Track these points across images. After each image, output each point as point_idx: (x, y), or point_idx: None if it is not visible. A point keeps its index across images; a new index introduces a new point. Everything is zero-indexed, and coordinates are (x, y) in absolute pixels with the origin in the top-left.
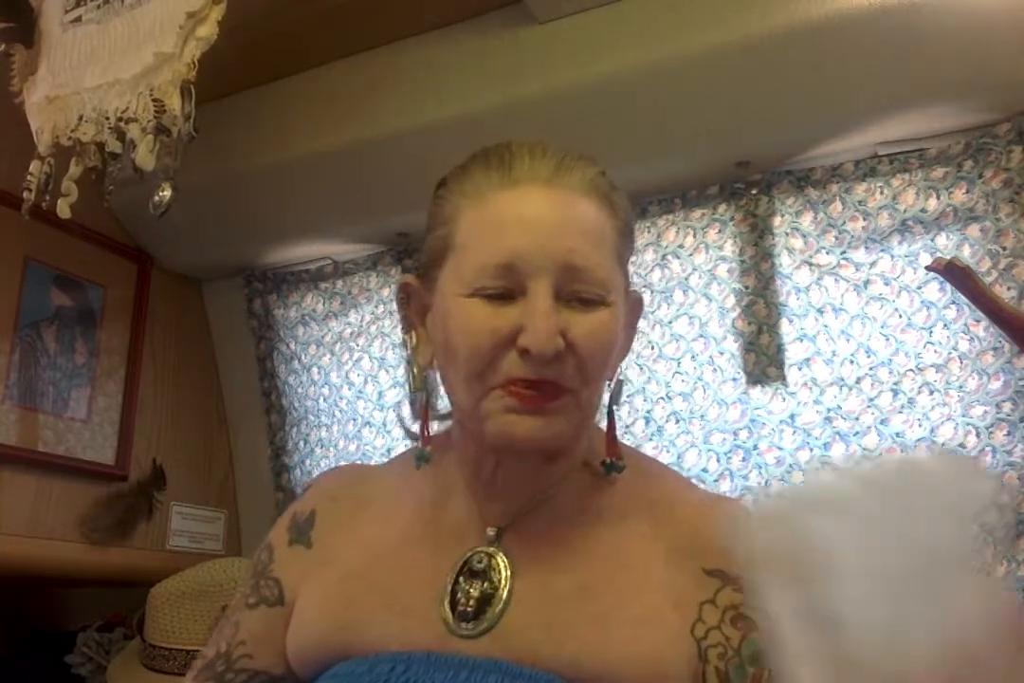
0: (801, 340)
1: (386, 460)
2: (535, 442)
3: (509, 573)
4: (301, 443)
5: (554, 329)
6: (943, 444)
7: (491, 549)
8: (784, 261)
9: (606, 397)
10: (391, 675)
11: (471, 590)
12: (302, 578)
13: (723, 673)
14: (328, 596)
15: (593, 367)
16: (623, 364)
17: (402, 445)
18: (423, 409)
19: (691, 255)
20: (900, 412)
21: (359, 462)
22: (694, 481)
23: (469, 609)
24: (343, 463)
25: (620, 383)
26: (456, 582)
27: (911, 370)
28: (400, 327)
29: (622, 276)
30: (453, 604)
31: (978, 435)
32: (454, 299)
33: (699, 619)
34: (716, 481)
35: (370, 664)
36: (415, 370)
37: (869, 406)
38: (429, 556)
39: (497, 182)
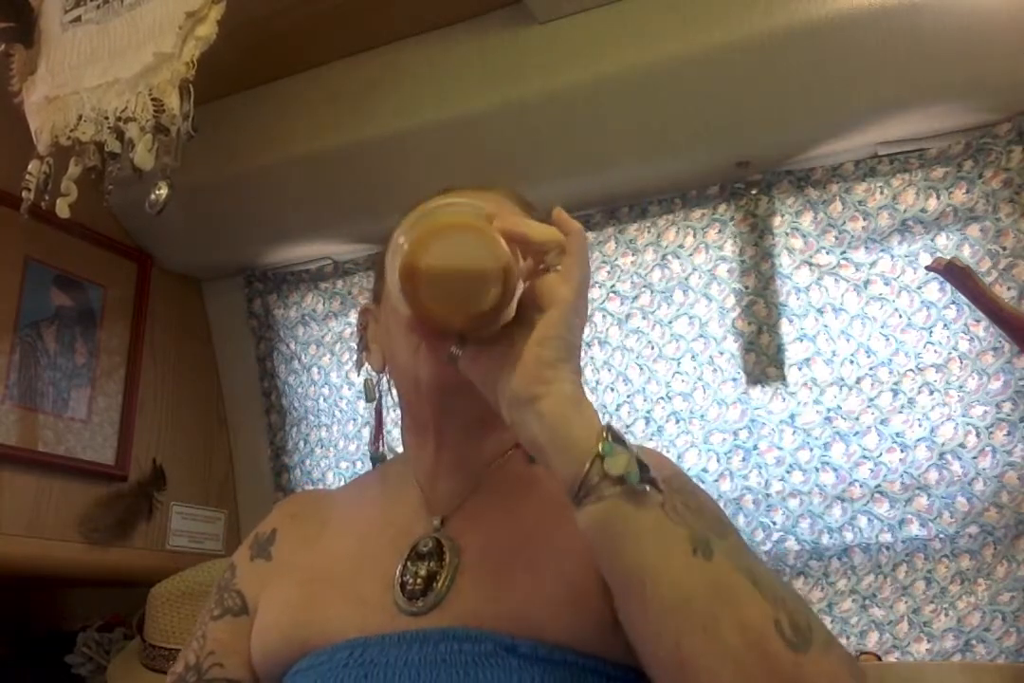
0: (801, 340)
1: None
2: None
3: (454, 553)
4: (301, 443)
5: None
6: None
7: (436, 534)
8: (784, 261)
9: None
10: (350, 659)
11: (418, 570)
12: (263, 587)
13: None
14: (288, 598)
15: None
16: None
17: (400, 445)
18: (378, 412)
19: (691, 255)
20: (900, 412)
21: (318, 487)
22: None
23: (417, 587)
24: (300, 491)
25: None
26: (405, 566)
27: (911, 370)
28: (356, 349)
29: None
30: (403, 586)
31: (978, 435)
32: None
33: None
34: (716, 481)
35: (329, 654)
36: (368, 383)
37: (869, 406)
38: (383, 552)
39: (434, 197)
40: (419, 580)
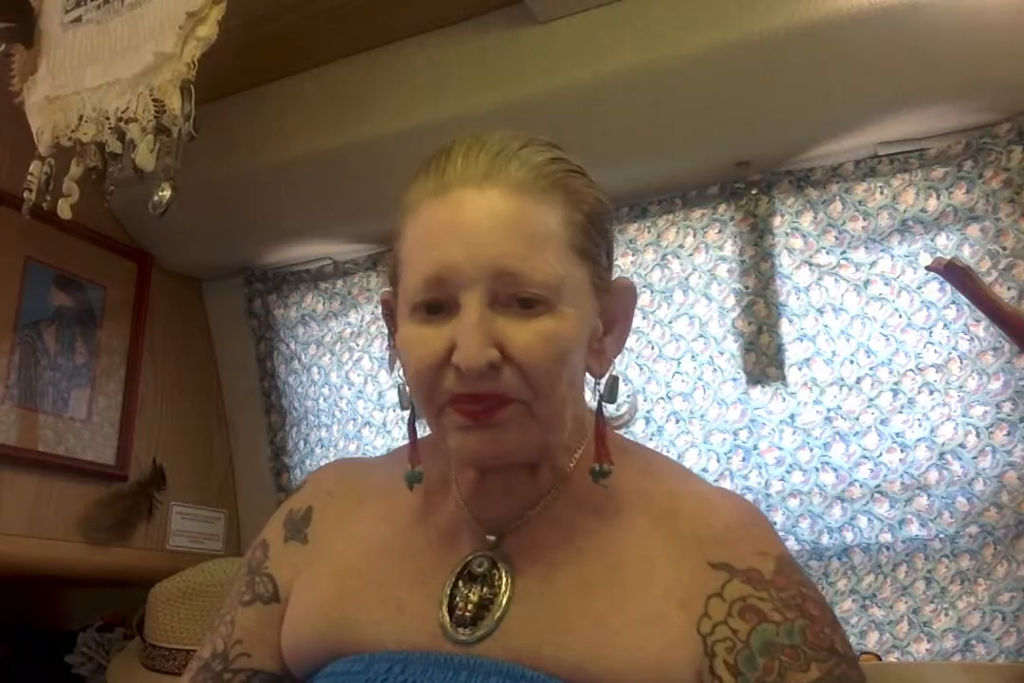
0: (801, 340)
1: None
2: (488, 458)
3: (509, 579)
4: (301, 443)
5: (483, 342)
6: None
7: (491, 553)
8: (784, 261)
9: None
10: (388, 675)
11: (470, 594)
12: (296, 574)
13: (732, 666)
14: (322, 592)
15: (539, 377)
16: (618, 359)
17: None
18: (411, 427)
19: (691, 255)
20: (900, 412)
21: (355, 456)
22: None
23: (467, 614)
24: (339, 458)
25: (614, 380)
26: (455, 586)
27: (911, 370)
28: (387, 343)
29: (584, 270)
30: (451, 608)
31: (978, 435)
32: (402, 320)
33: (705, 614)
34: (716, 481)
35: (367, 663)
36: (402, 389)
37: (869, 406)
38: (424, 554)
39: (432, 190)
40: (470, 606)
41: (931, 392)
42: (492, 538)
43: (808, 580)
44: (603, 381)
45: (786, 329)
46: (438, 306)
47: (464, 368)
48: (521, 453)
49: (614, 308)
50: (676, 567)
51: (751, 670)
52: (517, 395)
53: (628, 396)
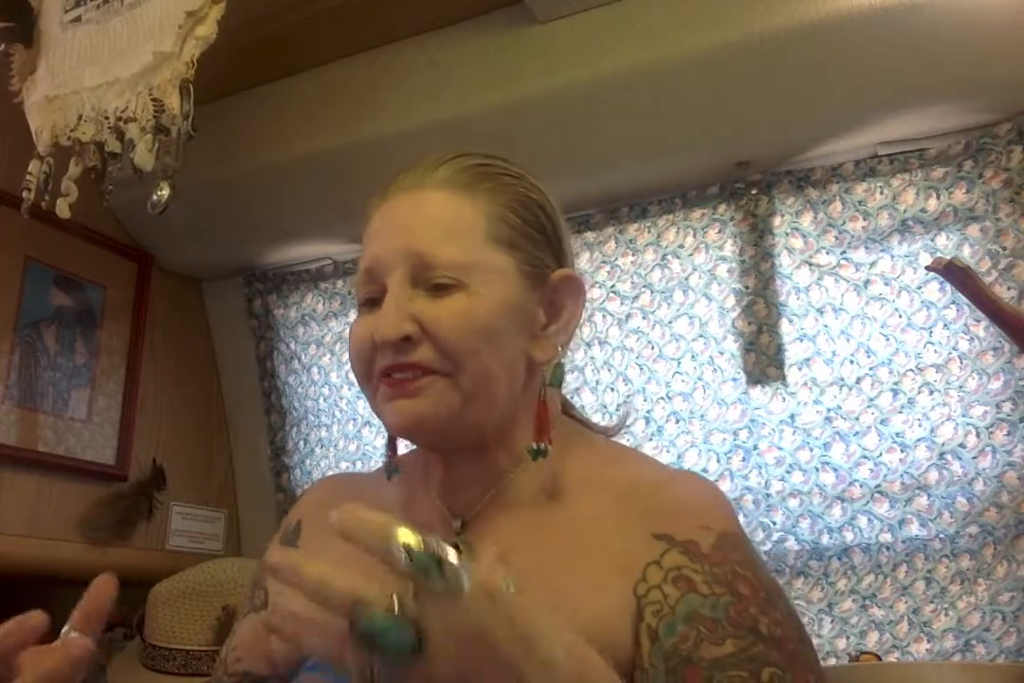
0: (801, 340)
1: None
2: (408, 423)
3: (470, 558)
4: (301, 443)
5: (398, 317)
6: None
7: (455, 539)
8: (784, 261)
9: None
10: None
11: None
12: None
13: (653, 630)
14: None
15: (453, 349)
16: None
17: (401, 445)
18: None
19: (691, 255)
20: (900, 412)
21: (345, 471)
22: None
23: None
24: (328, 474)
25: (559, 366)
26: None
27: (911, 370)
28: None
29: (508, 258)
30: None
31: (978, 435)
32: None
33: (642, 579)
34: (716, 481)
35: None
36: None
37: (869, 406)
38: None
39: (377, 204)
40: None
41: (931, 392)
42: (457, 524)
43: (751, 561)
44: (548, 367)
45: (786, 329)
46: (374, 298)
47: (378, 340)
48: (445, 423)
49: (556, 298)
50: (622, 538)
51: (668, 636)
52: (434, 366)
53: (627, 397)
